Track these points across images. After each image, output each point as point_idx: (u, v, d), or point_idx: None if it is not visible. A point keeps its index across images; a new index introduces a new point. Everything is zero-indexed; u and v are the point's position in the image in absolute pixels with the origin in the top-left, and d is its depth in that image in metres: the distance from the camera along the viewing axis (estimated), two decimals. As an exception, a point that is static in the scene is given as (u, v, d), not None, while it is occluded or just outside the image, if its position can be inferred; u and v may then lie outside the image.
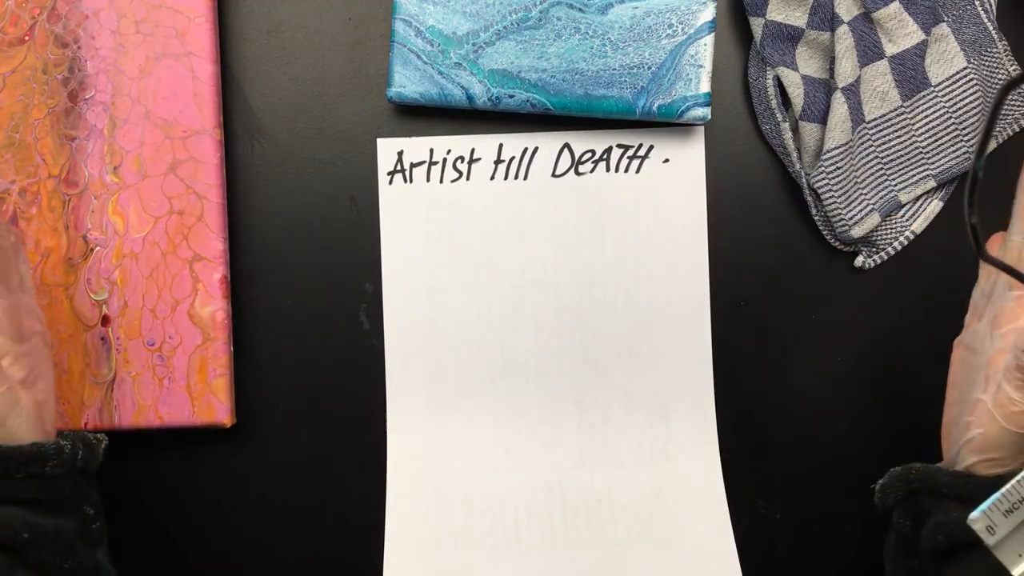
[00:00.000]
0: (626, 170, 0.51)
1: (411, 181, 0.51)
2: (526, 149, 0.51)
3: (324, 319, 0.53)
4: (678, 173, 0.51)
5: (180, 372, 0.50)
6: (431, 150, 0.51)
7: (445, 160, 0.51)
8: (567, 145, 0.51)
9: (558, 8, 0.50)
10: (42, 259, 0.50)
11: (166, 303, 0.50)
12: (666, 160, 0.51)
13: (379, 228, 0.52)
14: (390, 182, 0.51)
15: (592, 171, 0.51)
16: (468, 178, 0.51)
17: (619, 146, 0.51)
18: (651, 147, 0.51)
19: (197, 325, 0.50)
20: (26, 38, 0.49)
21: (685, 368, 0.51)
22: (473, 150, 0.51)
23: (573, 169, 0.51)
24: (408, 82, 0.50)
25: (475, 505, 0.51)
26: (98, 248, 0.50)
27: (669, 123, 0.52)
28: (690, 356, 0.51)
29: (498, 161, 0.51)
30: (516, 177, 0.51)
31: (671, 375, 0.51)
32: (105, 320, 0.50)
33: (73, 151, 0.50)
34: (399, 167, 0.51)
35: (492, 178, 0.51)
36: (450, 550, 0.51)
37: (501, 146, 0.51)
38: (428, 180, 0.51)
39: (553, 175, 0.51)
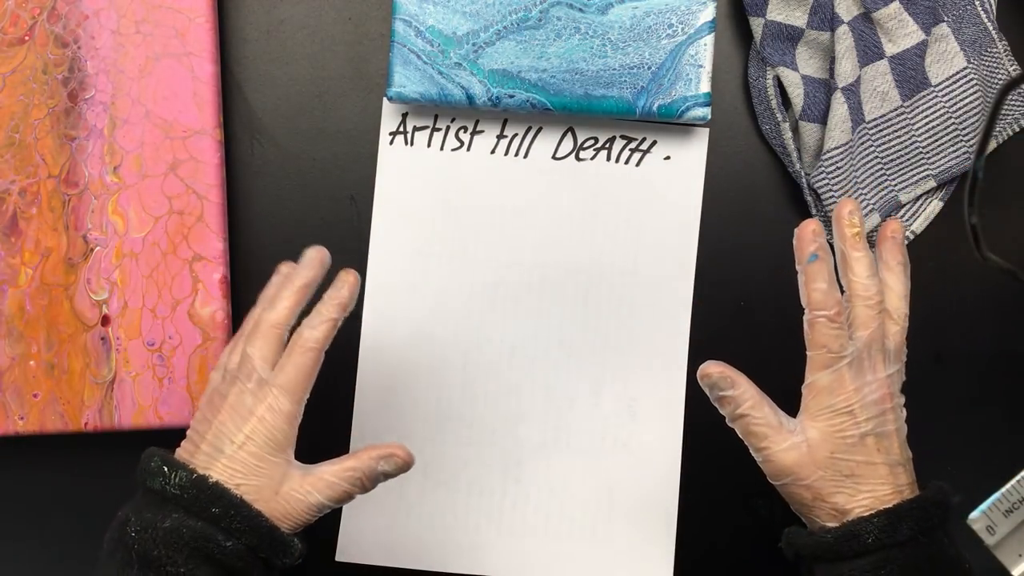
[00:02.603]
0: (626, 162, 0.51)
1: (412, 144, 0.51)
2: (529, 128, 0.51)
3: (324, 319, 0.53)
4: (677, 173, 0.51)
5: (180, 372, 0.50)
6: (435, 116, 0.51)
7: (448, 128, 0.51)
8: (571, 129, 0.51)
9: (558, 8, 0.50)
10: (42, 259, 0.50)
11: (166, 303, 0.50)
12: (667, 157, 0.51)
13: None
14: (391, 142, 0.51)
15: (593, 158, 0.51)
16: (469, 149, 0.51)
17: (622, 137, 0.51)
18: (654, 142, 0.51)
19: (197, 325, 0.50)
20: (26, 38, 0.49)
21: (659, 367, 0.51)
22: (477, 121, 0.51)
23: (574, 154, 0.51)
24: (408, 82, 0.50)
25: (432, 477, 0.51)
26: (98, 248, 0.50)
27: (670, 123, 0.52)
28: (665, 356, 0.51)
29: (501, 136, 0.51)
30: (517, 154, 0.51)
31: (644, 372, 0.51)
32: (105, 320, 0.50)
33: (73, 151, 0.50)
34: (402, 128, 0.51)
35: (493, 152, 0.51)
36: (403, 522, 0.51)
37: (505, 121, 0.51)
38: (429, 146, 0.51)
39: (554, 157, 0.51)
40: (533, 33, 0.50)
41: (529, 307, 0.51)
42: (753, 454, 0.42)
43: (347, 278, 0.43)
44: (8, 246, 0.50)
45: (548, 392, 0.52)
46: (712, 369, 0.42)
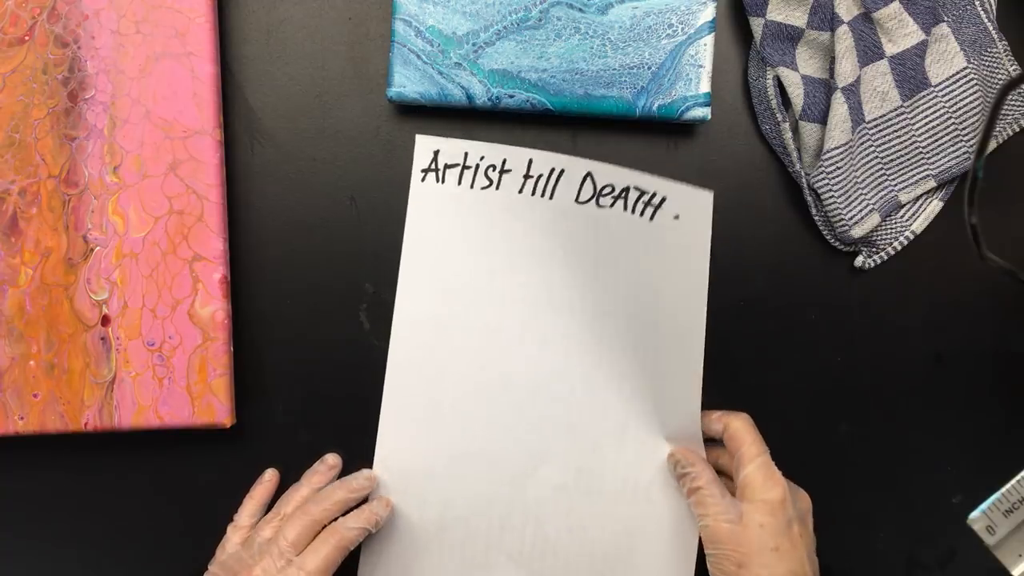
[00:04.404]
0: (640, 214, 0.49)
1: (443, 182, 0.51)
2: (553, 169, 0.50)
3: (324, 319, 0.53)
4: (685, 233, 0.49)
5: (180, 372, 0.50)
6: (465, 154, 0.50)
7: (478, 166, 0.51)
8: (590, 174, 0.50)
9: (558, 8, 0.50)
10: (42, 259, 0.50)
11: (166, 303, 0.50)
12: (676, 216, 0.49)
13: (380, 227, 0.52)
14: (423, 179, 0.51)
15: (611, 206, 0.50)
16: (497, 187, 0.51)
17: (636, 188, 0.49)
18: (663, 199, 0.49)
19: (197, 325, 0.50)
20: (26, 38, 0.49)
21: (678, 418, 0.50)
22: (504, 160, 0.50)
23: (595, 199, 0.50)
24: (408, 82, 0.50)
25: (451, 512, 0.51)
26: (98, 248, 0.50)
27: (672, 120, 0.52)
28: (679, 413, 0.50)
29: (527, 176, 0.50)
30: (543, 195, 0.50)
31: (666, 420, 0.51)
32: (105, 320, 0.50)
33: (73, 151, 0.50)
34: (434, 166, 0.51)
35: (520, 191, 0.50)
36: (423, 558, 0.51)
37: (531, 161, 0.50)
38: (459, 183, 0.51)
39: (576, 200, 0.50)
40: (533, 33, 0.50)
41: (556, 348, 0.51)
42: (697, 521, 0.48)
43: (387, 502, 0.51)
44: (8, 246, 0.50)
45: (571, 433, 0.51)
46: (678, 453, 0.50)
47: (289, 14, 0.53)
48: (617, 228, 0.50)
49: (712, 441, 0.50)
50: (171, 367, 0.50)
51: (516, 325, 0.51)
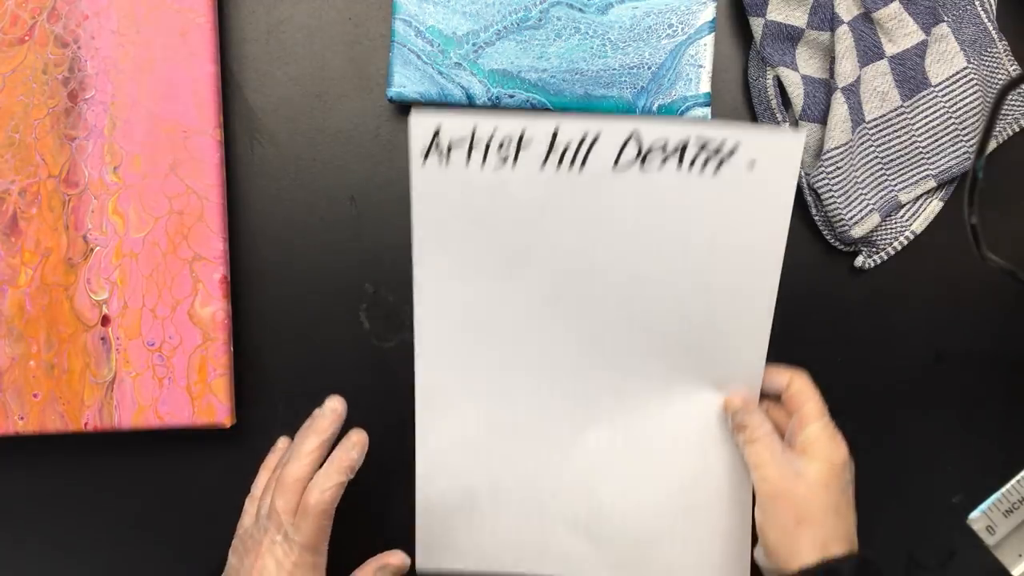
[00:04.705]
0: (702, 169, 0.43)
1: (448, 163, 0.44)
2: (586, 135, 0.43)
3: (324, 319, 0.53)
4: (763, 182, 0.44)
5: (180, 372, 0.50)
6: (474, 128, 0.43)
7: (490, 142, 0.43)
8: (635, 132, 0.43)
9: (558, 8, 0.50)
10: (42, 259, 0.50)
11: (166, 303, 0.50)
12: (751, 165, 0.43)
13: (380, 227, 0.52)
14: (423, 163, 0.44)
15: (660, 167, 0.43)
16: (515, 164, 0.44)
17: (698, 140, 0.43)
18: (736, 145, 0.43)
19: (197, 325, 0.50)
20: (26, 38, 0.49)
21: (733, 370, 0.49)
22: (523, 132, 0.43)
23: (640, 161, 0.43)
24: (408, 82, 0.50)
25: (502, 488, 0.51)
26: (98, 248, 0.50)
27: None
28: (740, 362, 0.48)
29: (551, 147, 0.43)
30: (571, 167, 0.44)
31: (717, 375, 0.49)
32: (105, 320, 0.50)
33: (73, 151, 0.50)
34: (436, 145, 0.44)
35: (543, 166, 0.44)
36: (476, 532, 0.51)
37: (557, 129, 0.43)
38: (468, 164, 0.44)
39: (615, 166, 0.44)
40: (533, 33, 0.50)
41: (594, 317, 0.48)
42: (752, 472, 0.46)
43: (356, 439, 0.47)
44: (8, 246, 0.50)
45: (617, 395, 0.50)
46: (737, 401, 0.48)
47: (289, 14, 0.53)
48: (668, 190, 0.44)
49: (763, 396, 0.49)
50: (171, 367, 0.50)
51: (549, 300, 0.47)
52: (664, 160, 0.43)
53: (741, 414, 0.48)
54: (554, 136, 0.43)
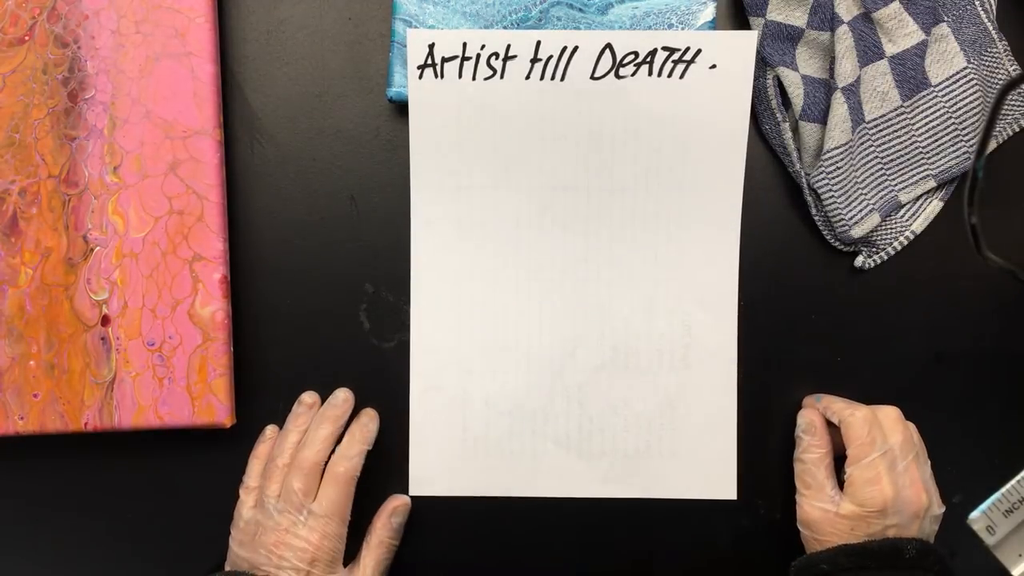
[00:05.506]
0: (669, 75, 0.49)
1: (442, 76, 0.49)
2: (565, 48, 0.49)
3: (324, 319, 0.53)
4: (724, 80, 0.49)
5: (180, 372, 0.50)
6: (464, 44, 0.49)
7: (479, 56, 0.49)
8: (609, 45, 0.48)
9: (558, 8, 0.50)
10: (42, 259, 0.50)
11: (166, 303, 0.50)
12: (713, 66, 0.49)
13: (380, 227, 0.52)
14: (420, 76, 0.49)
15: (633, 74, 0.49)
16: (502, 76, 0.49)
17: (664, 48, 0.49)
18: (698, 51, 0.49)
19: (197, 325, 0.50)
20: (26, 38, 0.49)
21: (709, 278, 0.51)
22: (509, 46, 0.49)
23: (614, 72, 0.49)
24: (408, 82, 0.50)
25: (494, 407, 0.52)
26: (98, 248, 0.50)
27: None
28: (716, 266, 0.51)
29: (535, 59, 0.49)
30: (553, 78, 0.49)
31: (696, 285, 0.52)
32: (105, 320, 0.50)
33: (73, 151, 0.50)
34: (430, 61, 0.49)
35: (527, 77, 0.49)
36: (471, 453, 0.52)
37: (539, 43, 0.49)
38: (460, 76, 0.49)
39: (592, 77, 0.49)
40: (533, 33, 0.50)
41: (576, 230, 0.51)
42: (797, 494, 0.50)
43: (370, 414, 0.52)
44: (8, 246, 0.50)
45: (602, 312, 0.52)
46: (808, 415, 0.51)
47: (289, 14, 0.53)
48: (640, 96, 0.50)
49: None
50: (171, 367, 0.50)
51: (535, 213, 0.51)
52: (636, 69, 0.49)
53: (800, 429, 0.51)
54: (536, 48, 0.49)
